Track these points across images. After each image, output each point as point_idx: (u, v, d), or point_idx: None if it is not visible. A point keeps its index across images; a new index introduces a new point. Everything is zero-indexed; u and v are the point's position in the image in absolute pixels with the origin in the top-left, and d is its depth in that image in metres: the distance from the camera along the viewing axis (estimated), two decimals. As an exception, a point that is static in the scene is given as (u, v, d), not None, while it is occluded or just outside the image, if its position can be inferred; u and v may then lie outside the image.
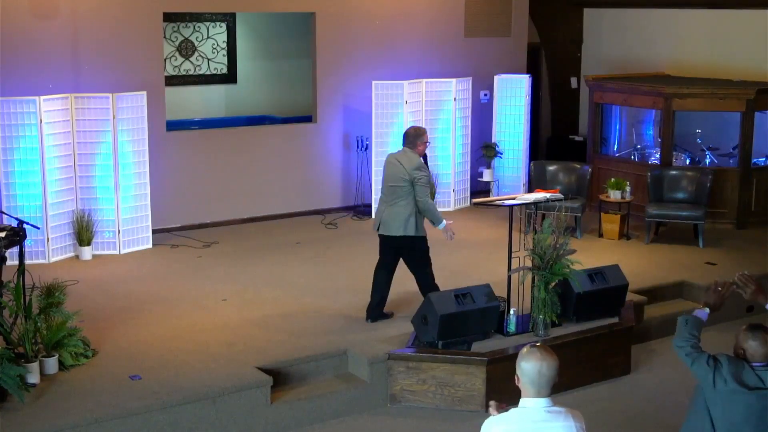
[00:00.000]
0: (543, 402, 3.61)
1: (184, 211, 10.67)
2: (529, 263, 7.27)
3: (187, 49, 12.89)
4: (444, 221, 7.59)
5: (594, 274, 7.63)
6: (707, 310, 4.44)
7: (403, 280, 8.73)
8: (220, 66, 13.17)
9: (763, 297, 4.44)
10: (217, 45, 13.11)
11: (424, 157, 7.86)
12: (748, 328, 4.27)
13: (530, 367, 3.60)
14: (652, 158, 11.65)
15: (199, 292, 8.37)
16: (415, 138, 7.51)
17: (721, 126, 11.67)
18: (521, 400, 3.64)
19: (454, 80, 11.71)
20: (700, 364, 4.23)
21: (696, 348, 4.30)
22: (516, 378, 3.66)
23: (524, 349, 3.68)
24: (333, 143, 11.60)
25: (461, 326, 6.94)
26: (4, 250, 6.59)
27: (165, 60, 11.64)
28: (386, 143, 11.28)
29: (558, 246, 7.14)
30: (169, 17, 12.08)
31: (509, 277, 7.50)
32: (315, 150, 11.51)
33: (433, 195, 7.34)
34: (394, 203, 7.44)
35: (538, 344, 3.73)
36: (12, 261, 7.17)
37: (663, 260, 9.48)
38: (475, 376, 6.75)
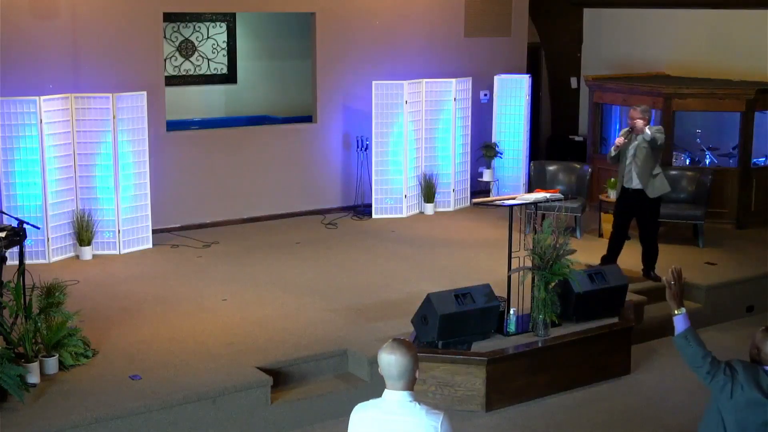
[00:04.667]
0: (402, 395, 3.66)
1: (184, 211, 10.67)
2: (529, 263, 7.27)
3: (187, 49, 12.89)
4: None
5: (594, 274, 7.63)
6: (684, 310, 4.33)
7: (403, 280, 8.74)
8: (220, 66, 13.17)
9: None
10: (217, 45, 13.11)
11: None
12: (765, 330, 4.26)
13: (381, 359, 3.68)
14: (652, 158, 11.64)
15: (199, 292, 8.37)
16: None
17: (721, 126, 11.67)
18: (384, 391, 3.71)
19: (454, 80, 11.71)
20: (718, 379, 4.17)
21: (713, 363, 4.21)
22: (379, 369, 3.73)
23: (386, 343, 3.74)
24: (333, 143, 11.60)
25: (461, 326, 6.94)
26: (4, 250, 6.59)
27: (165, 60, 11.64)
28: (386, 143, 11.29)
29: (558, 246, 7.14)
30: (169, 17, 12.08)
31: (509, 277, 7.50)
32: (315, 150, 11.51)
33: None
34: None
35: (398, 338, 3.76)
36: (12, 261, 7.16)
37: (663, 260, 9.47)
38: (475, 376, 6.75)
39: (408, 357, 3.65)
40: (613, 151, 8.76)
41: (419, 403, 3.67)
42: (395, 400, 3.67)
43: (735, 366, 4.21)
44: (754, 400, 4.14)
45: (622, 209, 8.93)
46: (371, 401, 3.75)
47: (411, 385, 3.68)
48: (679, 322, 4.33)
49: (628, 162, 8.67)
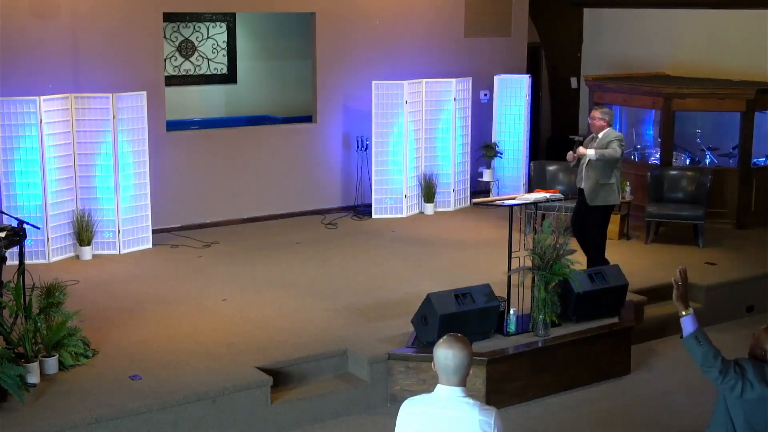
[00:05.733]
0: (455, 391, 3.66)
1: (184, 211, 10.67)
2: (529, 263, 7.27)
3: (187, 49, 12.89)
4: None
5: (594, 274, 7.63)
6: (691, 311, 4.28)
7: (403, 280, 8.74)
8: (220, 66, 13.17)
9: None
10: (217, 45, 13.11)
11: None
12: (767, 330, 4.24)
13: (439, 354, 3.68)
14: (652, 158, 11.65)
15: (199, 292, 8.37)
16: None
17: (721, 126, 11.67)
18: (436, 387, 3.71)
19: (454, 80, 11.70)
20: (729, 378, 4.12)
21: (724, 362, 4.15)
22: (433, 364, 3.72)
23: (443, 338, 3.74)
24: (333, 143, 11.60)
25: (461, 326, 6.91)
26: (4, 250, 6.59)
27: (165, 60, 11.64)
28: (386, 143, 11.29)
29: (558, 246, 7.15)
30: (169, 17, 12.08)
31: (509, 277, 7.50)
32: (315, 150, 11.51)
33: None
34: None
35: (454, 334, 3.76)
36: (12, 261, 7.16)
37: (663, 260, 9.48)
38: (475, 376, 6.74)
39: (465, 352, 3.66)
40: (571, 163, 8.58)
41: (472, 399, 3.67)
42: (447, 396, 3.66)
43: (743, 364, 4.17)
44: (763, 396, 4.11)
45: (574, 210, 8.75)
46: (422, 396, 3.73)
47: (464, 381, 3.67)
48: (688, 323, 4.26)
49: (585, 163, 8.44)
